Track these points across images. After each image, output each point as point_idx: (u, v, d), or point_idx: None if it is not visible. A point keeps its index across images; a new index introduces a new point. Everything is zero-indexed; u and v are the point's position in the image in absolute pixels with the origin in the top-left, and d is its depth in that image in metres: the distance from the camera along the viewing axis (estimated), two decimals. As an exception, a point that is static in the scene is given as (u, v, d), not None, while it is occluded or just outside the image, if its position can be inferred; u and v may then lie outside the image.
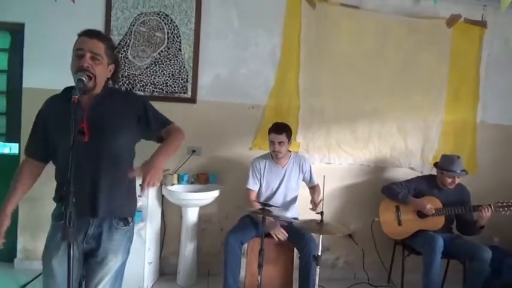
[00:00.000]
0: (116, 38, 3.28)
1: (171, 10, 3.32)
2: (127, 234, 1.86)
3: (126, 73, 3.32)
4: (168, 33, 3.33)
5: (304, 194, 3.19)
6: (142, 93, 3.33)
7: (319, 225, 2.50)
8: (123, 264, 1.88)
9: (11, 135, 3.37)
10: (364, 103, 3.54)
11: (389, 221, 3.28)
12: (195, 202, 3.16)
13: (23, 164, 1.85)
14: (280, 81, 3.45)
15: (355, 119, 3.54)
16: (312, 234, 2.80)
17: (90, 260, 1.82)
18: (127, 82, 3.32)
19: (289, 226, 2.86)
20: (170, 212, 3.40)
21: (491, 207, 3.01)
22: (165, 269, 3.43)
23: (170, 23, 3.33)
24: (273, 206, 2.52)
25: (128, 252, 1.90)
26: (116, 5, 3.27)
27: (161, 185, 3.21)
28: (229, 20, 3.39)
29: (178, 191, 3.16)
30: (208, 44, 3.37)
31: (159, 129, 1.88)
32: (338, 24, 3.45)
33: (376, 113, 3.55)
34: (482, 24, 3.60)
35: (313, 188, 3.16)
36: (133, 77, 3.33)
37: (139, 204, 2.96)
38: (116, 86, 1.95)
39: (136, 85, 3.33)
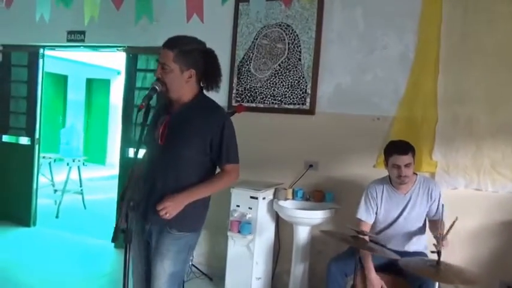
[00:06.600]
0: (240, 53, 3.40)
1: (292, 20, 3.23)
2: (179, 242, 1.81)
3: (248, 86, 3.39)
4: (288, 43, 3.26)
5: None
6: (262, 106, 3.34)
7: (434, 268, 1.95)
8: (179, 273, 1.84)
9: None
10: (535, 112, 2.65)
11: None
12: (304, 220, 2.95)
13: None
14: (413, 87, 2.91)
15: (519, 132, 2.69)
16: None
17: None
18: (249, 95, 3.39)
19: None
20: (286, 227, 3.25)
21: None
22: (277, 287, 3.30)
23: (291, 33, 3.24)
24: (369, 234, 2.09)
25: (182, 262, 1.84)
26: (241, 21, 3.40)
27: (274, 198, 3.12)
28: (354, 22, 3.07)
29: (287, 206, 3.01)
30: (330, 51, 3.14)
31: (222, 162, 1.86)
32: (494, 12, 2.70)
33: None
34: None
35: (434, 224, 2.47)
36: (255, 89, 3.37)
37: (248, 216, 3.00)
38: (210, 91, 1.93)
39: (256, 97, 3.36)
